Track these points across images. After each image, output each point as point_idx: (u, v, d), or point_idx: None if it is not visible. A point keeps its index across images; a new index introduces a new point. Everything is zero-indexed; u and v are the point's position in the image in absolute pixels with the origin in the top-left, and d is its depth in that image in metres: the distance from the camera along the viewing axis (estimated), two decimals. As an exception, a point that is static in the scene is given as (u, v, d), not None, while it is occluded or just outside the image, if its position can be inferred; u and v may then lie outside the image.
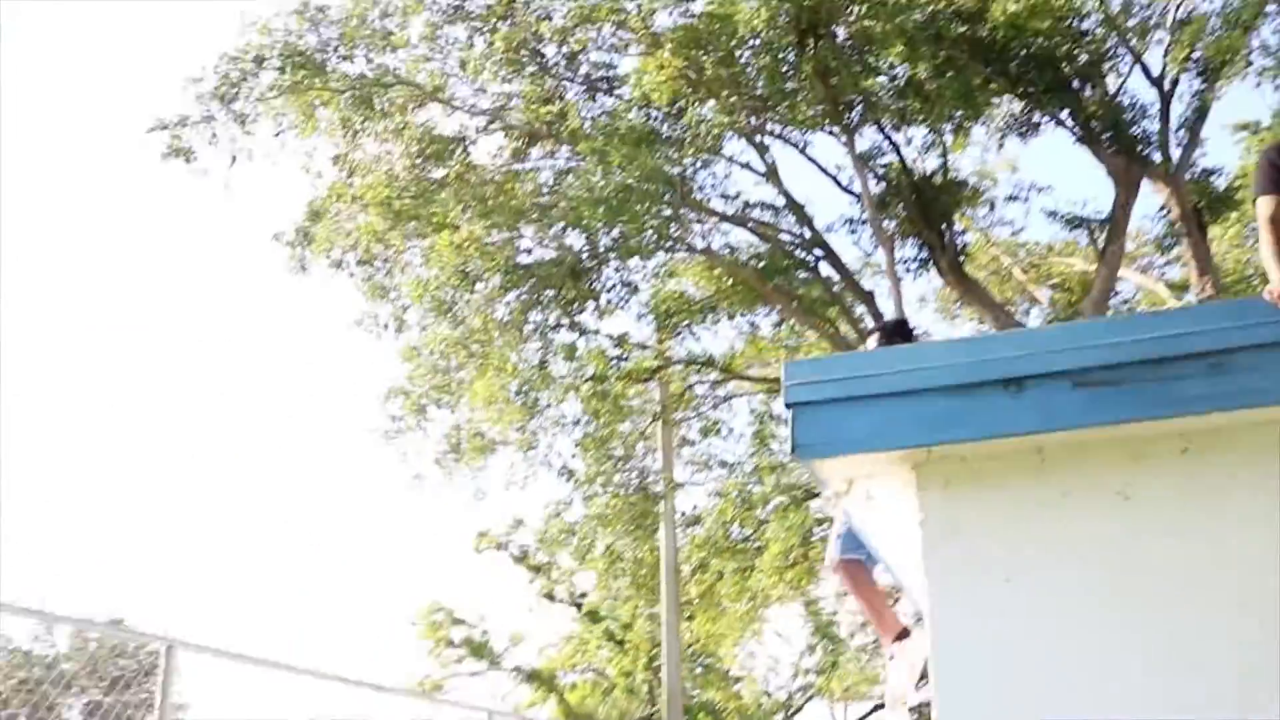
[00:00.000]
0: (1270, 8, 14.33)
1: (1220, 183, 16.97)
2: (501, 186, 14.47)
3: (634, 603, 21.10)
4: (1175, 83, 16.31)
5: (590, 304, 15.04)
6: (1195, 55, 15.95)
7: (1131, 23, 15.73)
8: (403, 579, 49.21)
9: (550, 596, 32.55)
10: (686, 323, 16.35)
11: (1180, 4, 16.32)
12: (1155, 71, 16.18)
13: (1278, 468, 3.32)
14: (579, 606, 32.26)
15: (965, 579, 3.50)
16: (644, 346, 17.19)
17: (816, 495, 19.81)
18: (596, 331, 16.01)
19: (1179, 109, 16.36)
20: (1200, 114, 16.35)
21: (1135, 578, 3.35)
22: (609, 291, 15.54)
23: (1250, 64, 15.51)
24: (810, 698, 37.24)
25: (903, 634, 5.78)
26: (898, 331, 6.18)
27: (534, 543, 31.06)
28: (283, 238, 15.50)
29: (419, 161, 15.77)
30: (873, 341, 6.29)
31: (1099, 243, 15.65)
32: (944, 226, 16.53)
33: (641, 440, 17.73)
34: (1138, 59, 16.10)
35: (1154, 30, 16.38)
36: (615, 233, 14.33)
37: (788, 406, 3.58)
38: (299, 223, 15.50)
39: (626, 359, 16.58)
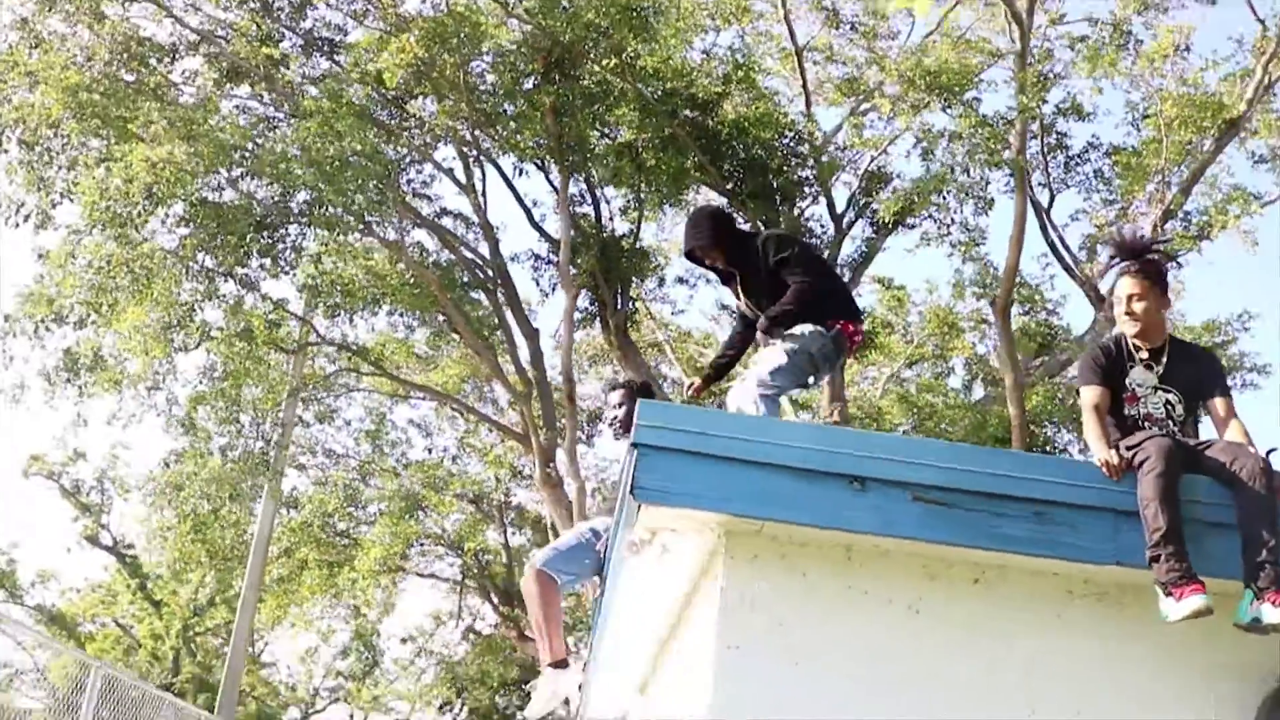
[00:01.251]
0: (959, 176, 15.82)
1: (865, 324, 18.43)
2: (207, 114, 13.63)
3: (201, 571, 20.07)
4: (851, 224, 17.78)
5: (264, 261, 14.36)
6: (874, 207, 17.47)
7: (825, 158, 16.89)
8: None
9: (93, 540, 30.43)
10: (349, 307, 15.92)
11: (875, 159, 17.86)
12: (840, 207, 17.60)
13: (1054, 616, 3.69)
14: (122, 557, 30.39)
15: (755, 653, 3.62)
16: (300, 318, 16.59)
17: (424, 508, 19.72)
18: (258, 290, 15.32)
19: (850, 247, 17.85)
20: (866, 259, 17.89)
21: (915, 686, 3.60)
22: (284, 254, 14.91)
23: (940, 228, 17.10)
24: (336, 699, 36.80)
25: (560, 663, 5.95)
26: (643, 392, 6.36)
27: (91, 480, 29.11)
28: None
29: (119, 59, 14.59)
30: (616, 397, 6.42)
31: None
32: (619, 288, 17.07)
33: (269, 411, 17.02)
34: (826, 192, 17.39)
35: (841, 171, 17.77)
36: (313, 197, 13.80)
37: (634, 446, 3.61)
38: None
39: (280, 325, 15.96)
